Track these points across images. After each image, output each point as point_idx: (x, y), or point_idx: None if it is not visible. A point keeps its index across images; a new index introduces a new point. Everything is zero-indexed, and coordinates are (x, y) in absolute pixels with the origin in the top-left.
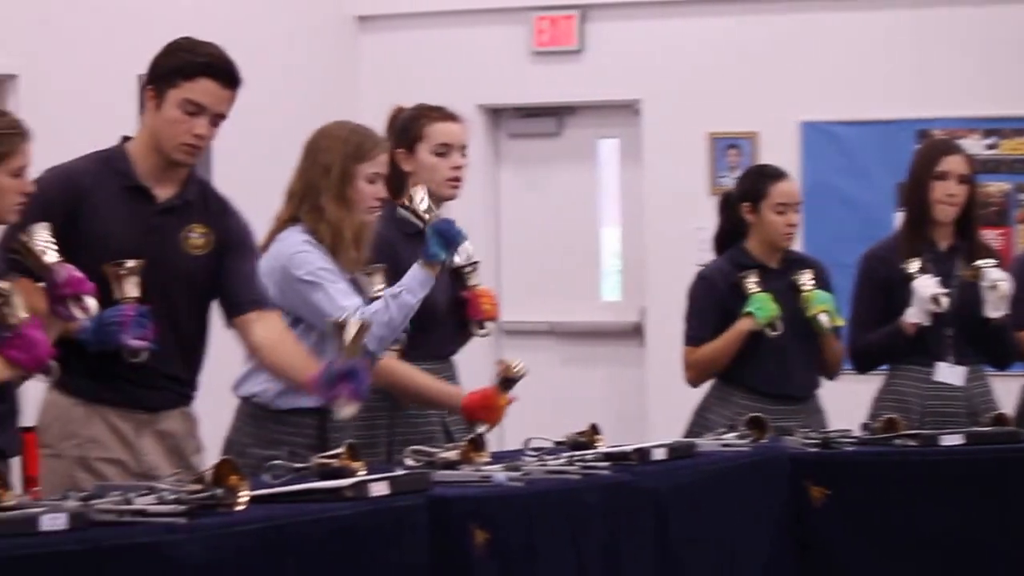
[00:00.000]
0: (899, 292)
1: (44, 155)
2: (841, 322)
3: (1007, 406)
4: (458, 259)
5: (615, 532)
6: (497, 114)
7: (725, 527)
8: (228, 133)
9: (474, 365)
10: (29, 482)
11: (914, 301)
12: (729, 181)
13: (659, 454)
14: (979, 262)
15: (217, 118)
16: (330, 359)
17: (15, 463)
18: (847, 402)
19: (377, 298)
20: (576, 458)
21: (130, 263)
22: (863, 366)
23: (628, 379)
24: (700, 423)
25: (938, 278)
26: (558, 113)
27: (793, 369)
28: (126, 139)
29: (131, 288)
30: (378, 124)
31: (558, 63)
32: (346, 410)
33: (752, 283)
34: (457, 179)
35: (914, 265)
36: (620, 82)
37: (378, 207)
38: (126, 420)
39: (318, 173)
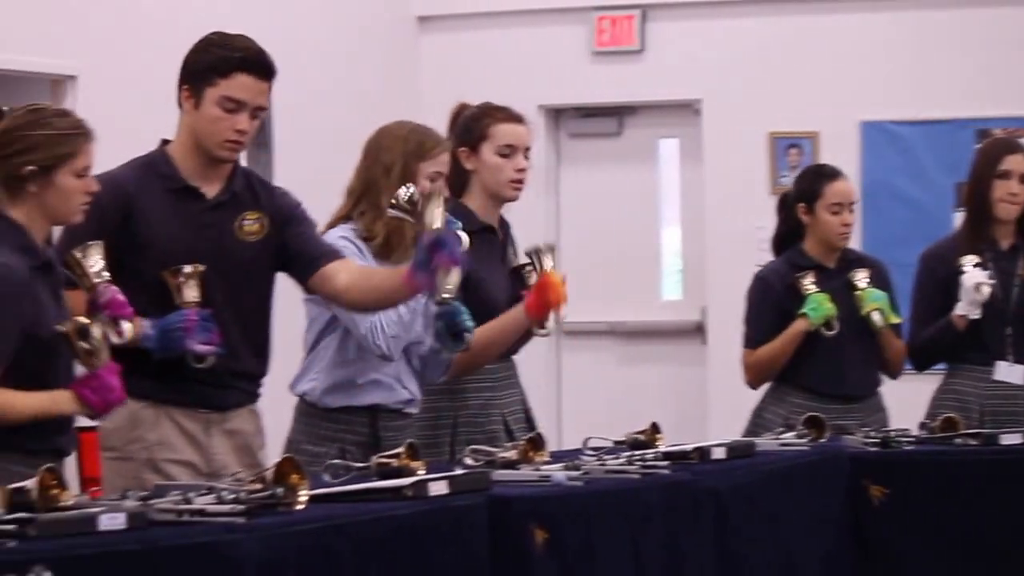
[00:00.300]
0: (957, 290)
1: (104, 156)
2: (897, 320)
3: None
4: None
5: (674, 531)
6: (558, 114)
7: (784, 526)
8: (290, 132)
9: (534, 365)
10: (87, 482)
11: (961, 294)
12: (789, 180)
13: (719, 453)
14: None
15: (257, 111)
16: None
17: (70, 463)
18: (907, 401)
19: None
20: (636, 457)
21: (189, 268)
22: (920, 363)
23: (689, 378)
24: (757, 423)
25: (998, 276)
26: (619, 113)
27: (849, 368)
28: (165, 142)
29: (192, 293)
30: (438, 124)
31: (619, 63)
32: (452, 278)
33: (808, 283)
34: (520, 181)
35: (968, 261)
36: (681, 82)
37: None
38: (195, 420)
39: (378, 172)
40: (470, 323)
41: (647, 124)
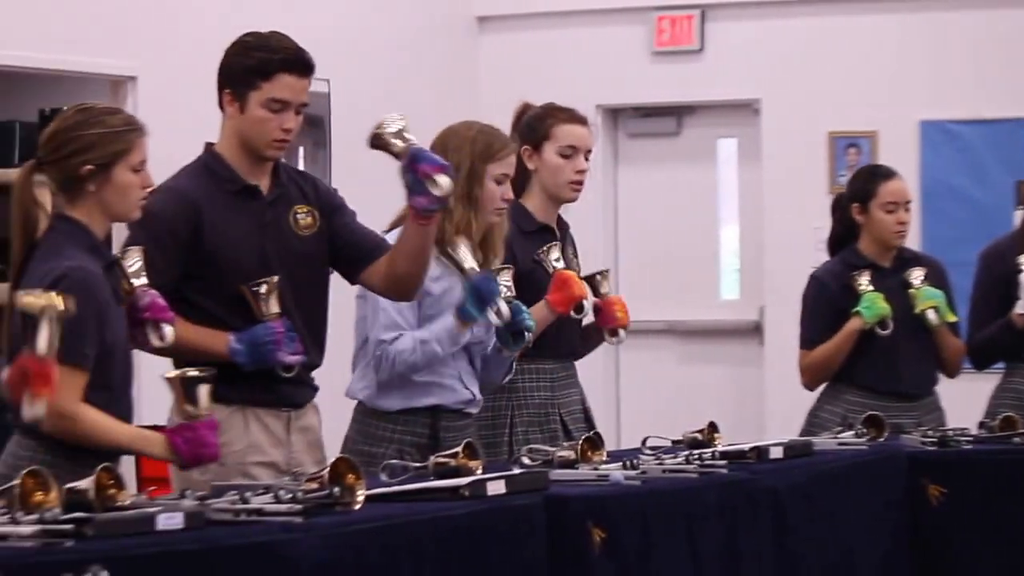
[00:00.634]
0: (1016, 289)
1: (163, 155)
2: (953, 318)
3: None
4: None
5: (732, 531)
6: (616, 114)
7: (842, 526)
8: (348, 132)
9: (593, 365)
10: (145, 482)
11: (1021, 292)
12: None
13: (776, 453)
14: None
15: (300, 107)
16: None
17: (128, 462)
18: (964, 400)
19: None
20: (693, 457)
21: (267, 281)
22: (979, 363)
23: (747, 378)
24: (813, 421)
25: None
26: (677, 113)
27: (905, 367)
28: (209, 145)
29: (274, 304)
30: (497, 124)
31: (678, 63)
32: (442, 181)
33: (863, 282)
34: (579, 183)
35: None
36: (740, 81)
37: (505, 208)
38: (278, 419)
39: None
40: (531, 322)
41: (706, 124)
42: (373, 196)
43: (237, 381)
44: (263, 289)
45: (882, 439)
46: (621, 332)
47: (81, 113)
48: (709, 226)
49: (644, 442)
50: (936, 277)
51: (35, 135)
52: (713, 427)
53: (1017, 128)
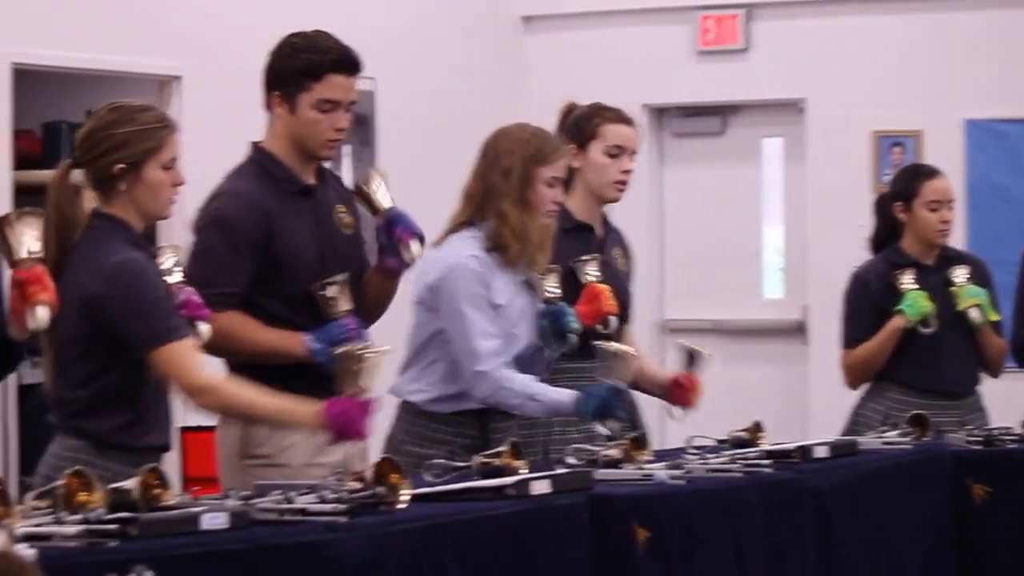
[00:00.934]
0: None
1: (208, 154)
2: (996, 317)
3: None
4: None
5: (777, 530)
6: (661, 113)
7: (886, 525)
8: (394, 131)
9: None
10: (189, 482)
11: None
12: None
13: (821, 452)
14: None
15: (350, 105)
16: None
17: (172, 459)
18: (1007, 399)
19: (550, 298)
20: (738, 456)
21: (337, 280)
22: (1023, 361)
23: (791, 377)
24: (856, 420)
25: None
26: (722, 112)
27: (948, 366)
28: (258, 144)
29: (344, 302)
30: (543, 124)
31: (723, 62)
32: (415, 248)
33: (906, 281)
34: (624, 183)
35: None
36: (785, 81)
37: (556, 211)
38: None
39: (498, 176)
40: (575, 324)
41: (751, 123)
42: (419, 195)
43: (306, 380)
44: (334, 288)
45: (927, 438)
46: (681, 411)
47: (113, 112)
48: (753, 225)
49: (689, 441)
50: (979, 275)
51: None
52: (758, 426)
53: None
